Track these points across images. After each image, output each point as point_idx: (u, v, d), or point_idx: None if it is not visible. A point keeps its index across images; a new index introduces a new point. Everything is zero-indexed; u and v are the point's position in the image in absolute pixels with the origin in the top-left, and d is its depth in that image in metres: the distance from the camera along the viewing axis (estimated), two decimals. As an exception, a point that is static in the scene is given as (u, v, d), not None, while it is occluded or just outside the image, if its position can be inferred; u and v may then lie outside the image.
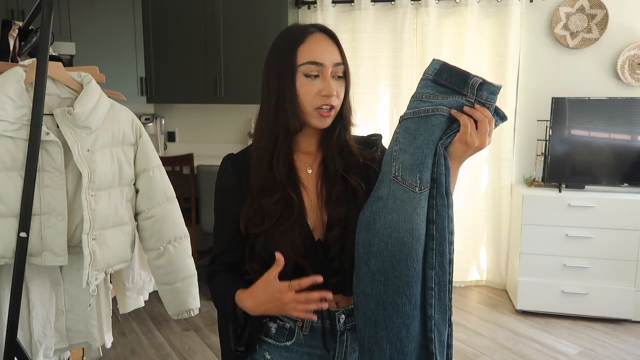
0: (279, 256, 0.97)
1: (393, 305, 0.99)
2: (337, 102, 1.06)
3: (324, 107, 1.04)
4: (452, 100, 1.00)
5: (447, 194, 1.00)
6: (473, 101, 0.99)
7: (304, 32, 1.05)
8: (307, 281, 0.95)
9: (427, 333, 1.01)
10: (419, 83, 1.05)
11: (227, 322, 1.11)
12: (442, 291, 1.01)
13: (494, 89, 0.99)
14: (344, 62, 1.07)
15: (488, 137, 0.98)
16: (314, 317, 0.99)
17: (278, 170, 1.07)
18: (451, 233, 1.01)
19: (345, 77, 1.07)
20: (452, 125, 0.99)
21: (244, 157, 1.13)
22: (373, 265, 1.00)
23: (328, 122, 1.07)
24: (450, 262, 1.01)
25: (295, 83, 1.03)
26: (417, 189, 0.99)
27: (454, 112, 0.98)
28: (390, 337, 1.00)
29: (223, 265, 1.13)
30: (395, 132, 1.04)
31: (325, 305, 0.98)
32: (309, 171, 1.12)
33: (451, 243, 1.01)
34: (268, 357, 1.11)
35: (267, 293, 0.98)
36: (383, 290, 0.99)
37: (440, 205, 1.00)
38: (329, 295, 0.97)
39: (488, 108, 0.99)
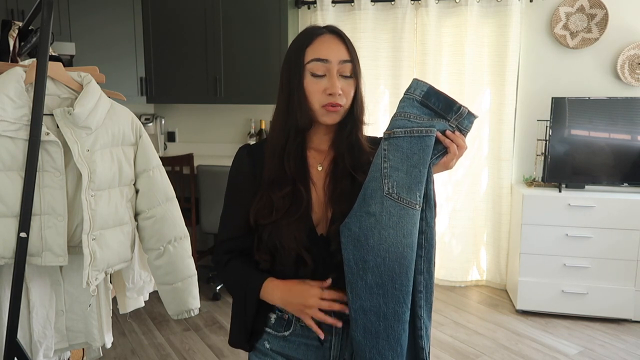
0: (328, 281, 1.08)
1: (394, 316, 1.04)
2: (344, 101, 1.09)
3: (329, 105, 1.08)
4: (439, 123, 1.07)
5: (435, 206, 1.09)
6: (454, 127, 1.07)
7: (313, 33, 1.10)
8: (333, 295, 1.06)
9: (417, 331, 1.09)
10: (404, 102, 1.10)
11: (245, 307, 1.16)
12: (429, 292, 1.09)
13: (473, 119, 1.08)
14: (352, 60, 1.10)
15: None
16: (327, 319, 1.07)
17: (289, 165, 1.11)
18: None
19: (355, 76, 1.11)
20: (438, 146, 1.07)
21: (260, 149, 1.18)
22: (370, 280, 1.04)
23: (336, 118, 1.11)
24: (434, 264, 1.11)
25: (304, 82, 1.08)
26: (417, 206, 1.04)
27: (442, 137, 1.06)
28: (392, 345, 1.04)
29: (229, 252, 1.17)
30: (383, 149, 1.07)
31: (338, 324, 1.07)
32: (320, 168, 1.16)
33: (434, 247, 1.11)
34: (267, 345, 1.16)
35: (299, 290, 1.07)
36: (383, 303, 1.04)
37: (429, 217, 1.08)
38: (338, 324, 1.07)
39: (465, 135, 1.08)
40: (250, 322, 1.15)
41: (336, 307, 1.05)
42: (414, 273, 1.06)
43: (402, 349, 1.05)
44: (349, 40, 1.11)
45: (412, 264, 1.05)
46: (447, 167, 1.09)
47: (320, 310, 1.05)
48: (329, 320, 1.06)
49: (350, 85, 1.10)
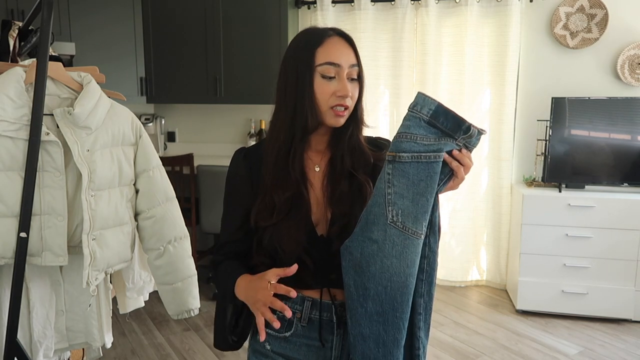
0: (294, 267, 1.02)
1: (394, 342, 1.02)
2: (350, 103, 1.11)
3: (338, 107, 1.08)
4: (447, 144, 1.01)
5: (439, 231, 1.07)
6: (461, 145, 1.02)
7: (322, 35, 1.10)
8: (282, 289, 0.99)
9: (414, 351, 1.07)
10: (409, 120, 1.02)
11: (225, 307, 1.16)
12: (428, 314, 1.08)
13: (480, 136, 1.03)
14: (359, 64, 1.12)
15: None
16: (287, 310, 0.99)
17: (294, 167, 1.11)
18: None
19: (359, 79, 1.12)
20: (444, 169, 1.02)
21: (257, 152, 1.17)
22: (371, 308, 1.02)
23: (342, 121, 1.11)
24: (434, 285, 1.09)
25: (313, 83, 1.08)
26: (422, 235, 1.02)
27: (449, 159, 1.02)
28: None
29: (227, 254, 1.18)
30: (387, 173, 1.02)
31: (287, 312, 0.98)
32: (317, 169, 1.16)
33: (435, 271, 1.08)
34: (268, 347, 1.15)
35: (255, 283, 1.04)
36: (382, 330, 1.02)
37: (432, 242, 1.05)
38: (287, 313, 0.98)
39: (470, 151, 1.04)
40: (230, 322, 1.15)
41: (277, 305, 0.98)
42: (414, 295, 1.04)
43: None
44: (354, 43, 1.13)
45: (413, 291, 1.03)
46: (452, 189, 1.08)
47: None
48: (272, 316, 0.99)
49: (355, 87, 1.12)
